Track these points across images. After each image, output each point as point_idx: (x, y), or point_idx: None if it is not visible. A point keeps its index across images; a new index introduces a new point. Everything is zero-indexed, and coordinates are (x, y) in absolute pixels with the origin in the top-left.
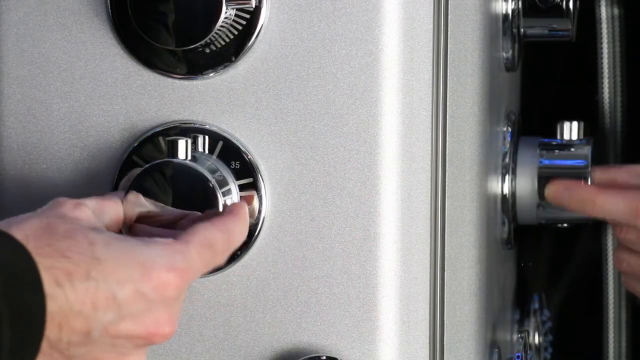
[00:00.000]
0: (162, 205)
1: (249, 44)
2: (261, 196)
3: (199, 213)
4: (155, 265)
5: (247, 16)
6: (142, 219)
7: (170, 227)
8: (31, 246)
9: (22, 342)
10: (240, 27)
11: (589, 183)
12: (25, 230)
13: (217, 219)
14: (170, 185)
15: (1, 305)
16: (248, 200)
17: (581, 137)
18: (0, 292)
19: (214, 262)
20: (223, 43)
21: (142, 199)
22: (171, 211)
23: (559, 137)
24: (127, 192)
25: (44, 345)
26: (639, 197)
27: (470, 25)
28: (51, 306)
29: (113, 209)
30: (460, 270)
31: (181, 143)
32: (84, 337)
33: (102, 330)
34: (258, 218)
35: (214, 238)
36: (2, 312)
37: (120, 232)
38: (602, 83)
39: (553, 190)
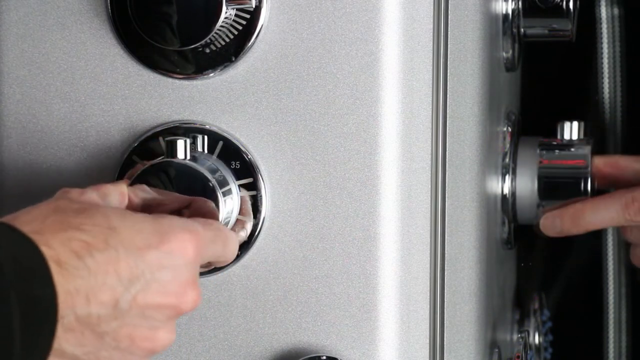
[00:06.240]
0: (167, 192)
1: (249, 44)
2: (261, 196)
3: (204, 199)
4: (172, 229)
5: (247, 16)
6: (147, 207)
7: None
8: (43, 226)
9: (34, 337)
10: (240, 27)
11: (589, 182)
12: (33, 214)
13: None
14: (171, 185)
15: (12, 299)
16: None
17: (581, 137)
18: (9, 286)
19: (214, 247)
20: (223, 43)
21: (145, 187)
22: (175, 197)
23: (559, 137)
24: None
25: (74, 323)
26: (624, 192)
27: (470, 25)
28: (76, 281)
29: (116, 191)
30: (460, 270)
31: (180, 143)
32: (112, 309)
33: (130, 301)
34: (258, 218)
35: (215, 223)
36: (12, 307)
37: None
38: (602, 83)
39: (545, 222)
